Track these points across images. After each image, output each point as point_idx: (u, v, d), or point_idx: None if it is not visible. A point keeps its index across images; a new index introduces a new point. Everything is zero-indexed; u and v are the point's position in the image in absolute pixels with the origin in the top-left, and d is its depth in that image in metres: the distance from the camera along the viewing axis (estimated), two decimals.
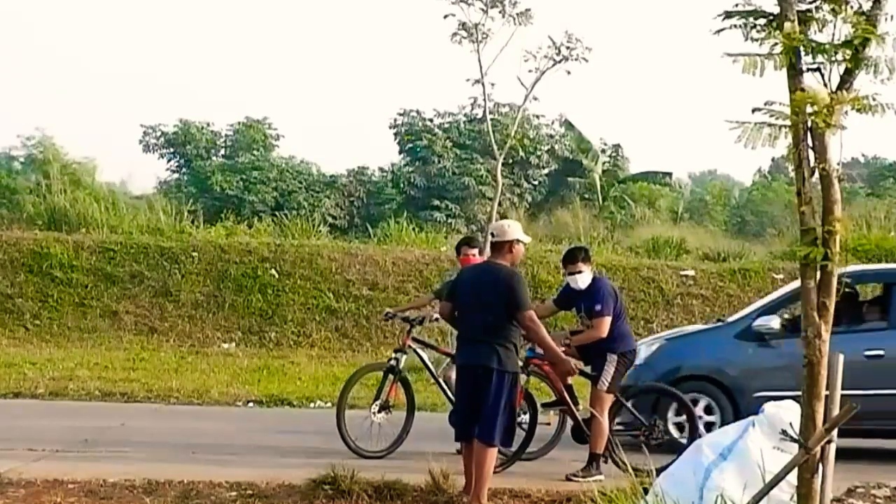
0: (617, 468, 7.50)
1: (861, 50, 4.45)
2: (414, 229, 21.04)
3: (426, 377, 9.66)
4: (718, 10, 4.70)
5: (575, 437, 8.11)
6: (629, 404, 7.94)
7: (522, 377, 7.98)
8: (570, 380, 7.99)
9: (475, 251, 8.52)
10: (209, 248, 17.57)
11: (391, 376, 8.36)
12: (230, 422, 10.17)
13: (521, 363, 7.92)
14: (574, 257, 7.84)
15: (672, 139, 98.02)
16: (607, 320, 7.60)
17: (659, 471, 7.43)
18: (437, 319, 8.74)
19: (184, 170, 31.63)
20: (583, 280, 7.72)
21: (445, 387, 8.50)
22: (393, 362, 8.40)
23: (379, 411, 8.22)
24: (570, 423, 8.19)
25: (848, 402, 4.53)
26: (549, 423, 8.38)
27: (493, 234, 6.86)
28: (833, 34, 4.57)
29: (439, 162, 28.95)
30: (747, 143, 4.55)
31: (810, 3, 4.63)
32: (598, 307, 7.64)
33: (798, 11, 4.56)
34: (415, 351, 8.60)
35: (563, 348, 7.72)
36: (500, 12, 14.39)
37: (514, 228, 6.81)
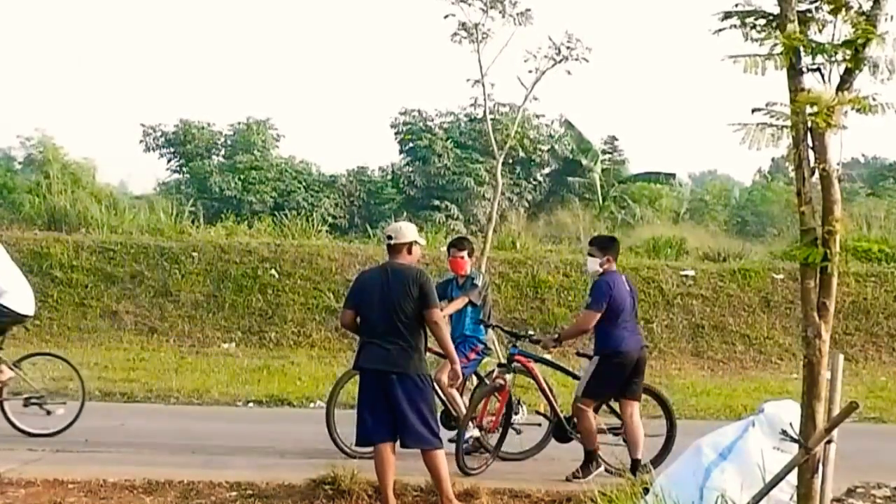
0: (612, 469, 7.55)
1: (861, 50, 4.45)
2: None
3: None
4: (718, 11, 4.70)
5: (556, 436, 8.13)
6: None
7: (508, 376, 8.02)
8: (542, 382, 8.07)
9: (463, 253, 8.50)
10: (209, 248, 17.56)
11: None
12: (230, 422, 10.17)
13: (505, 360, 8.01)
14: (591, 241, 8.06)
15: (672, 139, 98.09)
16: (592, 315, 7.51)
17: (655, 462, 7.53)
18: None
19: (184, 170, 31.64)
20: (593, 265, 7.73)
21: (438, 389, 8.50)
22: None
23: None
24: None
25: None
26: (539, 424, 8.40)
27: (389, 237, 6.73)
28: (833, 34, 4.57)
29: (439, 162, 28.95)
30: (751, 145, 4.55)
31: (810, 3, 4.63)
32: (587, 300, 7.72)
33: (798, 11, 4.56)
34: None
35: (553, 344, 7.79)
36: (500, 12, 14.36)
37: (410, 230, 6.76)
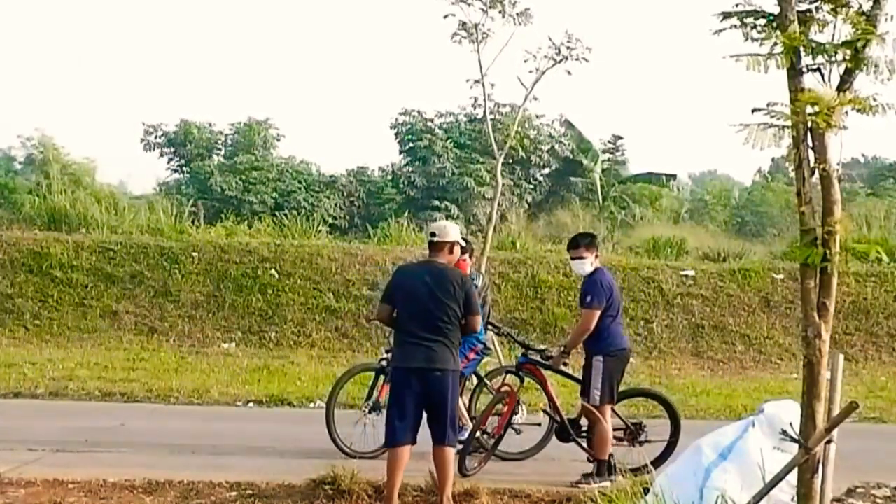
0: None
1: (861, 50, 4.45)
2: (414, 229, 21.01)
3: None
4: (718, 10, 4.70)
5: (559, 436, 8.12)
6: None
7: (516, 381, 8.00)
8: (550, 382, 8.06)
9: (465, 255, 8.48)
10: (209, 248, 17.56)
11: (382, 376, 8.35)
12: (230, 422, 10.16)
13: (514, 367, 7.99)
14: (577, 243, 7.76)
15: (672, 139, 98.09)
16: (594, 313, 7.39)
17: (655, 463, 7.51)
18: None
19: (184, 170, 31.63)
20: (583, 267, 7.60)
21: None
22: (384, 362, 8.39)
23: (370, 411, 8.21)
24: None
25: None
26: (539, 424, 8.40)
27: (433, 234, 6.74)
28: (833, 34, 4.57)
29: (439, 162, 28.94)
30: (754, 144, 4.54)
31: (810, 3, 4.63)
32: (587, 298, 7.47)
33: (798, 12, 4.56)
34: None
35: (564, 359, 7.68)
36: (500, 12, 14.35)
37: (455, 230, 6.79)
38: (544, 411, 8.31)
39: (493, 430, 7.96)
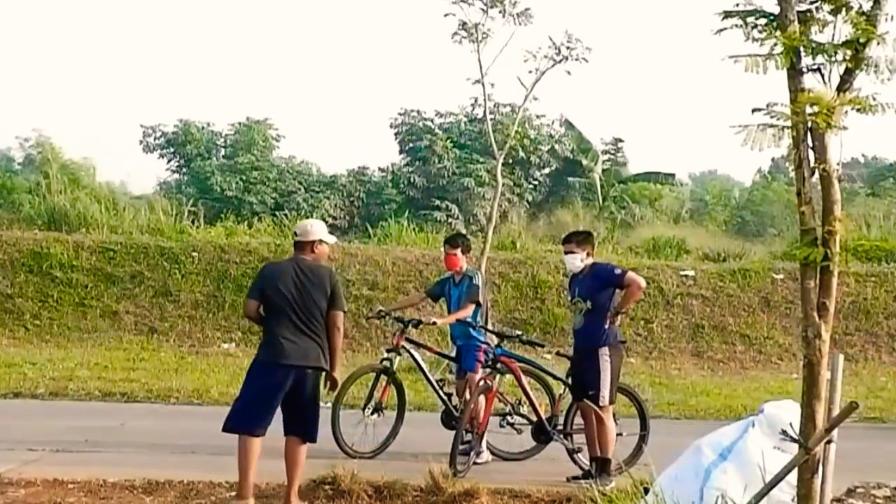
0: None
1: (861, 50, 4.45)
2: (414, 229, 21.02)
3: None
4: (719, 10, 4.70)
5: (537, 437, 8.12)
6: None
7: (497, 377, 7.98)
8: (525, 380, 8.09)
9: (457, 250, 8.47)
10: (209, 248, 17.56)
11: (384, 377, 8.35)
12: None
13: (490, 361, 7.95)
14: (569, 238, 7.82)
15: (672, 139, 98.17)
16: (633, 275, 7.42)
17: (629, 459, 7.51)
18: (434, 322, 8.71)
19: (184, 170, 31.63)
20: (574, 262, 7.60)
21: (438, 387, 8.50)
22: (386, 363, 8.38)
23: (372, 413, 8.22)
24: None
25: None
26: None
27: (296, 234, 6.78)
28: (833, 34, 4.57)
29: (439, 162, 28.94)
30: (753, 145, 4.54)
31: (810, 3, 4.63)
32: (617, 270, 7.50)
33: (798, 12, 4.56)
34: (408, 351, 8.57)
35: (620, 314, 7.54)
36: (500, 12, 14.38)
37: (317, 228, 6.79)
38: (517, 413, 8.24)
39: (476, 426, 7.90)
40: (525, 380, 8.19)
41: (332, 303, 6.48)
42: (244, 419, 6.40)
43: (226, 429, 6.46)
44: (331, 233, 7.02)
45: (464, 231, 24.87)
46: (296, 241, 6.77)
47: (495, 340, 8.16)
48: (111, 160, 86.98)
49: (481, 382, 7.87)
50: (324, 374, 6.52)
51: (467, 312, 8.26)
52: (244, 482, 6.35)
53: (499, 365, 7.95)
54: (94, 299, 16.34)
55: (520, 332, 8.49)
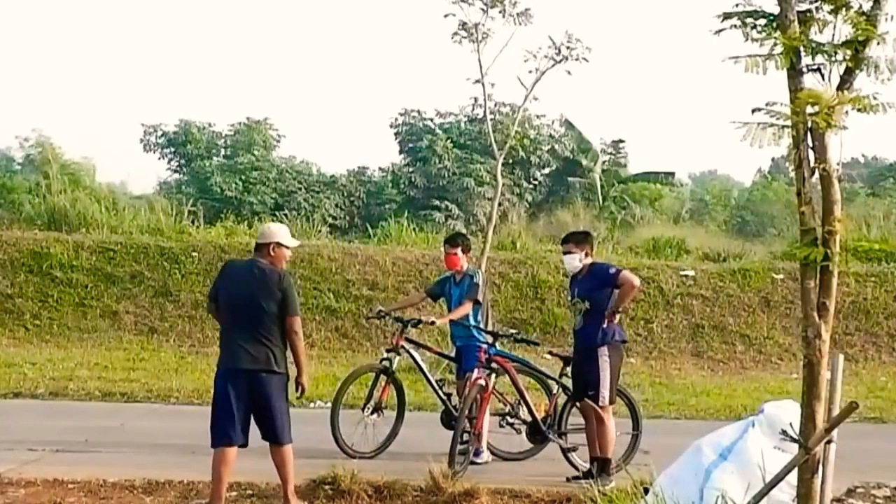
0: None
1: (861, 50, 4.45)
2: (414, 229, 21.01)
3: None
4: (719, 11, 4.70)
5: (532, 437, 8.12)
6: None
7: (491, 377, 7.96)
8: (521, 382, 8.09)
9: (456, 249, 8.46)
10: (209, 248, 17.55)
11: (383, 377, 8.34)
12: None
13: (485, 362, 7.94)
14: (567, 238, 7.84)
15: (672, 139, 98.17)
16: (627, 274, 7.40)
17: (625, 457, 7.52)
18: (433, 322, 8.69)
19: (184, 170, 31.63)
20: (572, 262, 7.60)
21: (438, 387, 8.48)
22: (385, 363, 8.38)
23: (372, 413, 8.21)
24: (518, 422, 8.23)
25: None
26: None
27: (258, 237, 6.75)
28: (833, 34, 4.57)
29: (439, 162, 28.95)
30: (753, 143, 4.54)
31: (810, 3, 4.63)
32: (611, 269, 7.50)
33: (798, 12, 4.56)
34: (407, 351, 8.56)
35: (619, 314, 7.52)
36: (500, 12, 14.38)
37: (276, 231, 6.75)
38: (514, 416, 8.22)
39: (472, 426, 7.89)
40: (520, 379, 8.18)
41: (284, 307, 6.40)
42: (218, 432, 6.40)
43: (213, 445, 6.47)
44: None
45: (464, 231, 24.89)
46: (256, 244, 6.72)
47: (490, 340, 8.15)
48: (111, 160, 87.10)
49: (477, 382, 7.87)
50: (293, 379, 6.51)
51: (465, 310, 8.24)
52: (216, 488, 6.38)
53: (493, 364, 7.95)
54: (94, 299, 16.33)
55: (514, 331, 8.49)
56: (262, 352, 6.34)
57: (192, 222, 20.15)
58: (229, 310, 6.45)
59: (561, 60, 14.68)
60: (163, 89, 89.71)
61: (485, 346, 8.20)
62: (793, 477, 4.63)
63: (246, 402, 6.34)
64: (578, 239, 7.77)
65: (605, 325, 7.41)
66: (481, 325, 8.33)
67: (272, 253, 6.60)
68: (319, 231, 20.64)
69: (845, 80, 4.53)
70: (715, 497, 5.20)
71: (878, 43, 4.46)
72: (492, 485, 7.08)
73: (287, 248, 6.70)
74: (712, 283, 17.36)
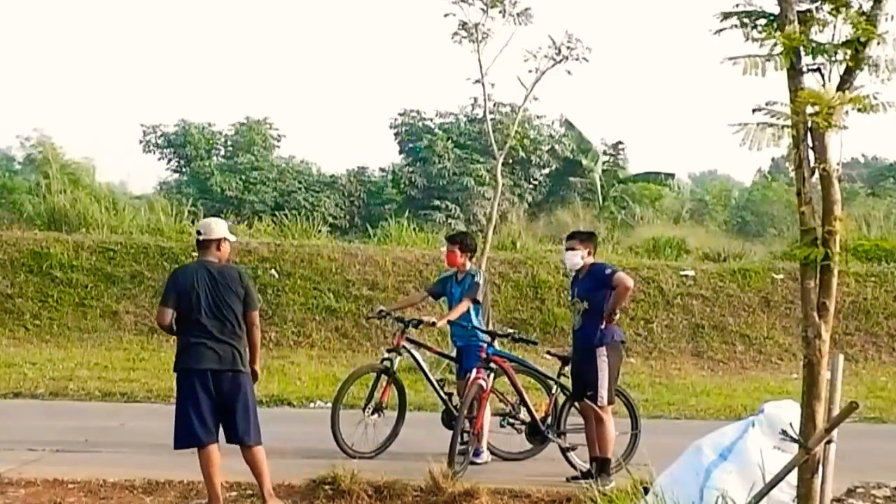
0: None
1: (861, 50, 4.45)
2: (414, 229, 21.00)
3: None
4: (718, 11, 4.70)
5: (530, 437, 8.11)
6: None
7: (490, 377, 7.96)
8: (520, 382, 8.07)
9: (455, 247, 8.47)
10: None
11: (384, 377, 8.34)
12: None
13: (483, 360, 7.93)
14: (572, 235, 7.90)
15: (672, 140, 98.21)
16: (622, 276, 7.37)
17: (624, 456, 7.51)
18: (433, 323, 8.66)
19: (184, 170, 31.62)
20: (573, 258, 7.60)
21: (438, 387, 8.48)
22: (386, 363, 8.38)
23: (372, 413, 8.21)
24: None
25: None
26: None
27: (199, 233, 6.66)
28: (833, 34, 4.57)
29: (439, 162, 28.93)
30: (752, 145, 4.54)
31: (810, 3, 4.63)
32: (607, 270, 7.49)
33: (798, 12, 4.56)
34: (408, 351, 8.56)
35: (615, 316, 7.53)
36: (500, 12, 14.37)
37: (221, 226, 6.70)
38: (513, 417, 8.23)
39: (472, 426, 7.88)
40: (519, 379, 8.18)
41: (246, 303, 6.44)
42: (185, 433, 6.37)
43: (176, 447, 6.44)
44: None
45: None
46: (199, 241, 6.62)
47: (488, 339, 8.16)
48: (111, 160, 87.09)
49: (477, 382, 7.87)
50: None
51: (463, 308, 8.23)
52: (211, 489, 6.38)
53: (491, 364, 7.95)
54: (94, 299, 16.32)
55: (512, 330, 8.49)
56: (228, 351, 6.33)
57: (193, 222, 20.13)
58: (195, 314, 6.34)
59: (561, 60, 14.68)
60: (162, 89, 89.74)
61: (485, 346, 8.20)
62: (793, 477, 4.63)
63: (214, 402, 6.33)
64: (583, 237, 7.81)
65: (603, 326, 7.42)
66: (482, 326, 8.31)
67: (220, 249, 6.58)
68: (319, 231, 20.63)
69: (845, 80, 4.53)
70: (715, 497, 5.20)
71: (879, 43, 4.46)
72: (492, 485, 7.08)
73: (230, 242, 6.68)
74: (712, 283, 17.36)
